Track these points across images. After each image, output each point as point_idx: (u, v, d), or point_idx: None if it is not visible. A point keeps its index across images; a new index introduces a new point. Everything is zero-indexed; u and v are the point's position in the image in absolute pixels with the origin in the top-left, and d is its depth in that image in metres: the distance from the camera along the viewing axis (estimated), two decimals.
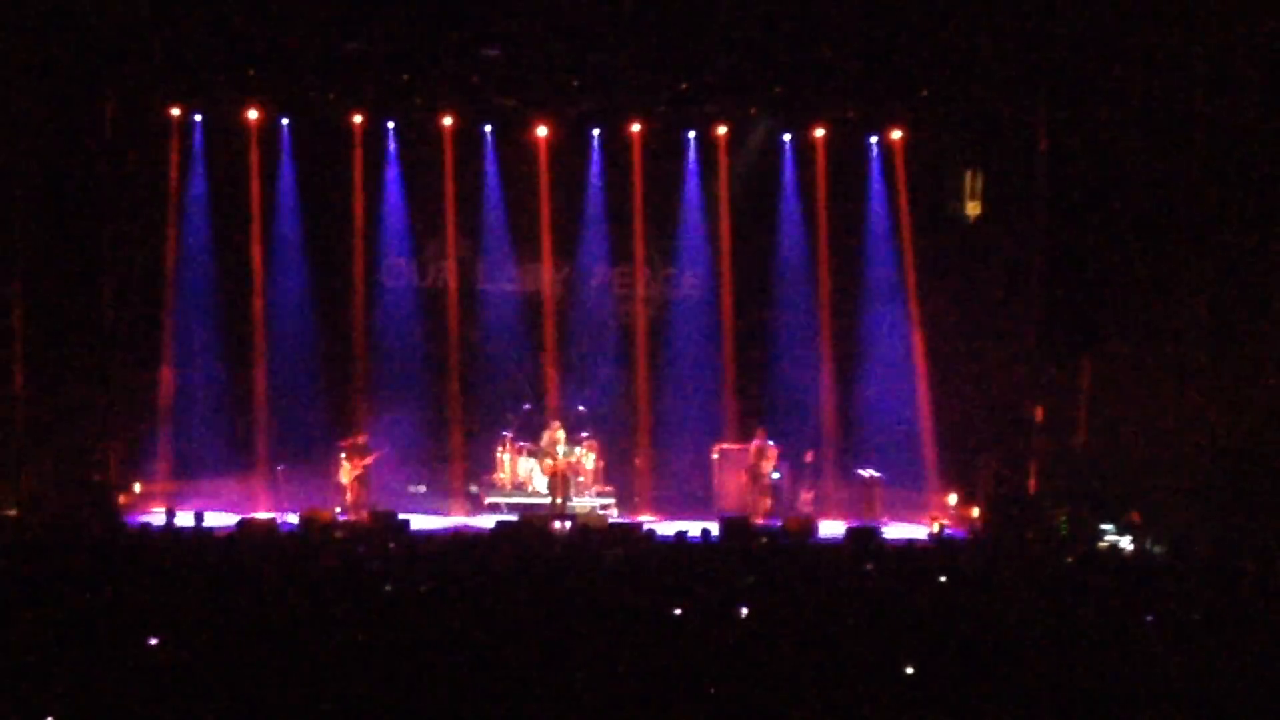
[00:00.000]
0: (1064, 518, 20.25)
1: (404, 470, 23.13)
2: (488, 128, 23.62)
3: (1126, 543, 18.83)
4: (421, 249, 24.17)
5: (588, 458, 22.92)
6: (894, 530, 20.35)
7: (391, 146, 23.57)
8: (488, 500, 22.78)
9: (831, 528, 20.12)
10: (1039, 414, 21.98)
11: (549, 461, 22.32)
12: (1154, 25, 19.91)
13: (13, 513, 19.83)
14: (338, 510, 20.90)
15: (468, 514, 22.11)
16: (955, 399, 23.02)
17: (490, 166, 23.80)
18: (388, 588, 11.66)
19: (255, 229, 23.07)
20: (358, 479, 21.74)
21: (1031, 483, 21.88)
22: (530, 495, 22.81)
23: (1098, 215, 21.17)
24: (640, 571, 13.06)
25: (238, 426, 22.96)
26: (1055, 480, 21.46)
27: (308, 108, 22.86)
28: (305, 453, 22.86)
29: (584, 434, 23.02)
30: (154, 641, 9.26)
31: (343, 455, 21.89)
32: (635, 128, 23.34)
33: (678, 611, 10.70)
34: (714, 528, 17.85)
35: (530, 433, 23.11)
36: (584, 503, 22.41)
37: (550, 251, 23.89)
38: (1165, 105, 20.23)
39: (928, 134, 23.14)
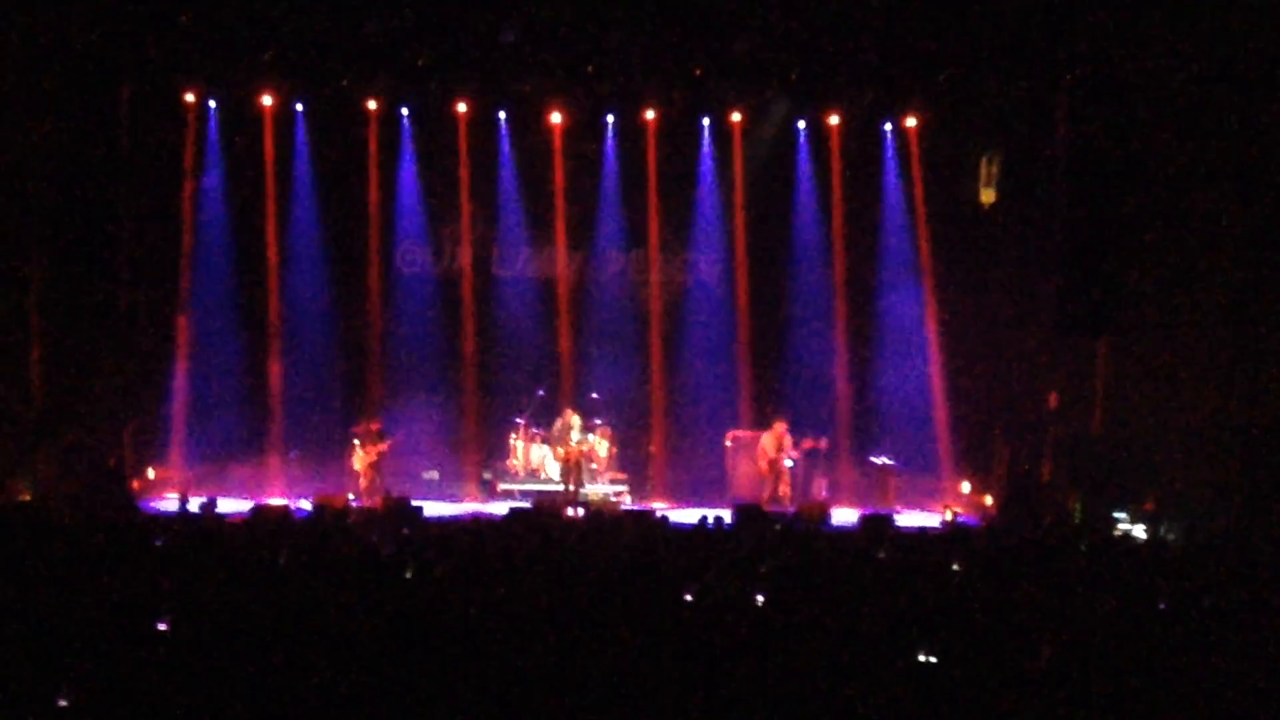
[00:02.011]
0: (1078, 505, 20.22)
1: (418, 456, 23.14)
2: (503, 113, 23.60)
3: (1140, 530, 18.81)
4: (436, 235, 24.15)
5: (601, 444, 22.94)
6: (908, 518, 20.33)
7: (406, 132, 23.56)
8: (501, 487, 22.81)
9: (845, 515, 20.10)
10: (1053, 401, 21.93)
11: (562, 448, 22.33)
12: (1172, 10, 19.83)
13: (27, 497, 19.89)
14: (351, 496, 20.92)
15: (481, 500, 22.13)
16: (970, 386, 23.00)
17: (505, 152, 23.78)
18: (402, 574, 11.67)
19: (270, 213, 23.12)
20: (371, 465, 21.77)
21: (1046, 470, 21.85)
22: (544, 482, 22.85)
23: (1114, 201, 21.11)
24: (654, 558, 13.06)
25: (252, 412, 23.00)
26: (1069, 467, 21.42)
27: (323, 93, 22.85)
28: (319, 438, 22.96)
29: (598, 420, 23.04)
30: (164, 626, 9.28)
31: (356, 441, 21.93)
32: (650, 114, 23.32)
33: (689, 597, 10.71)
34: (727, 515, 17.84)
35: (544, 419, 23.12)
36: (597, 489, 22.45)
37: (565, 237, 23.90)
38: (1183, 90, 20.15)
39: (944, 120, 23.06)
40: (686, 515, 17.46)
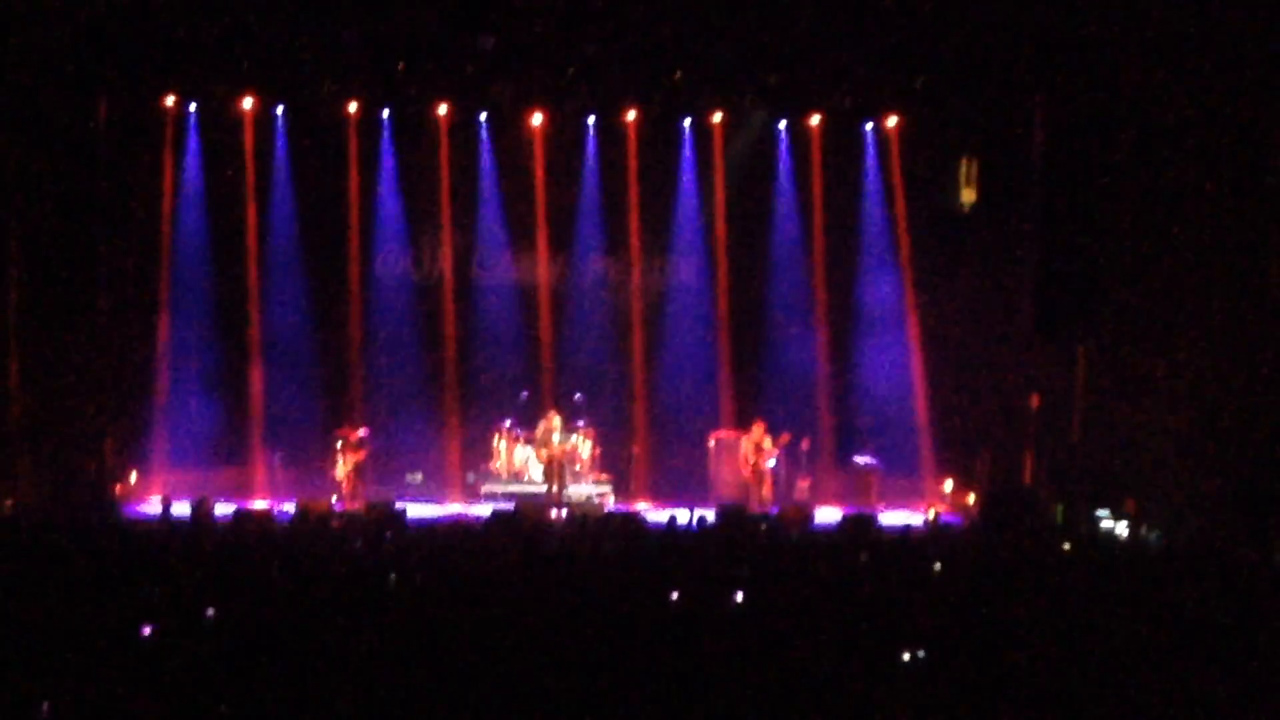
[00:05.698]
0: (1059, 505, 20.28)
1: (401, 459, 23.13)
2: (483, 117, 23.57)
3: (1121, 530, 18.86)
4: (417, 239, 24.11)
5: (584, 446, 22.93)
6: (890, 518, 20.36)
7: (386, 136, 23.53)
8: (484, 489, 22.79)
9: (828, 515, 20.13)
10: (1034, 401, 22.00)
11: (545, 450, 22.32)
12: (1149, 13, 19.90)
13: (8, 502, 19.82)
14: (334, 500, 20.90)
15: (465, 503, 22.12)
16: (951, 386, 23.05)
17: (485, 156, 23.75)
18: (386, 576, 11.67)
19: (250, 219, 23.05)
20: (353, 470, 21.73)
21: (1027, 470, 21.92)
22: (527, 484, 22.82)
23: (1093, 203, 21.18)
24: (637, 559, 13.08)
25: (234, 416, 22.95)
26: (1051, 467, 21.49)
27: (302, 97, 22.82)
28: (301, 442, 22.90)
29: (580, 422, 23.03)
30: (148, 631, 9.27)
31: (339, 446, 21.87)
32: (630, 116, 23.32)
33: (674, 597, 10.73)
34: (710, 515, 17.88)
35: (527, 421, 23.10)
36: (581, 491, 22.44)
37: (546, 241, 23.85)
38: (1160, 93, 20.21)
39: (923, 122, 23.10)
40: (670, 515, 17.49)
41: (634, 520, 17.39)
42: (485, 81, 22.54)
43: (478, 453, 23.52)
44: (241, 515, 17.53)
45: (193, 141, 22.90)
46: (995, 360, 22.66)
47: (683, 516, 17.49)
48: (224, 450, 22.72)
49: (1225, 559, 13.78)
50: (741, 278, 23.98)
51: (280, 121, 23.20)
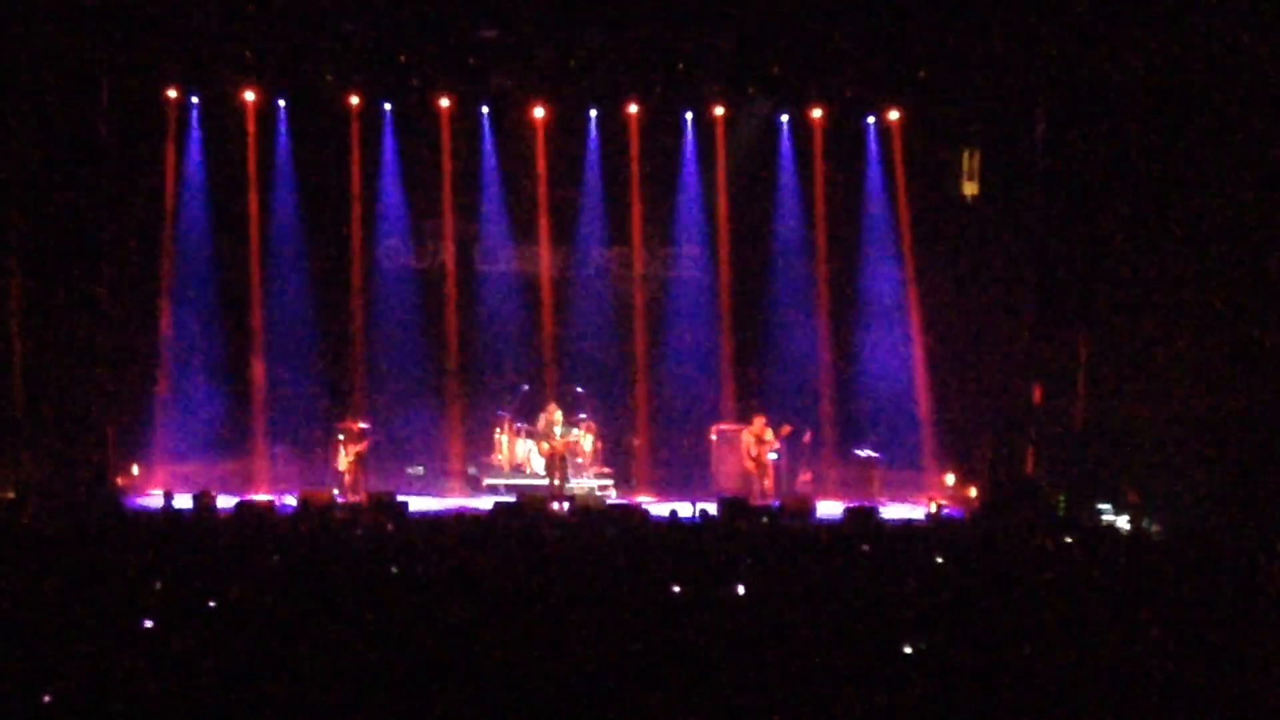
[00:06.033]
0: (1061, 497, 20.28)
1: (402, 452, 23.14)
2: (485, 109, 23.57)
3: (1124, 522, 18.86)
4: (419, 230, 24.11)
5: (585, 439, 22.92)
6: (892, 510, 20.38)
7: (388, 128, 23.52)
8: (486, 482, 22.79)
9: (829, 508, 20.14)
10: (1037, 394, 22.00)
11: (547, 443, 22.32)
12: (1149, 4, 19.89)
13: (10, 495, 19.84)
14: (336, 492, 20.90)
15: (466, 496, 22.13)
16: (953, 379, 23.05)
17: (488, 148, 23.74)
18: (387, 569, 11.67)
19: (252, 210, 23.04)
20: (355, 462, 21.74)
21: (1029, 462, 21.93)
22: (528, 476, 22.82)
23: (1095, 194, 21.17)
24: (638, 552, 13.08)
25: (236, 408, 22.94)
26: (1053, 460, 21.49)
27: (305, 88, 22.81)
28: (303, 434, 22.91)
29: (582, 415, 23.03)
30: (150, 624, 9.27)
31: (341, 438, 21.88)
32: (633, 109, 23.29)
33: (676, 589, 10.73)
34: (712, 508, 17.87)
35: (528, 414, 23.11)
36: (582, 484, 22.42)
37: (548, 232, 23.85)
38: (1161, 84, 20.19)
39: (925, 114, 23.08)
40: (671, 509, 17.49)
41: (635, 513, 17.40)
42: (487, 73, 22.54)
43: (479, 445, 23.55)
44: (243, 507, 17.53)
45: (195, 133, 22.89)
46: (997, 352, 22.66)
47: (684, 509, 17.50)
48: (226, 442, 22.71)
49: (1227, 551, 13.77)
50: (743, 270, 23.99)
51: (282, 113, 23.18)
